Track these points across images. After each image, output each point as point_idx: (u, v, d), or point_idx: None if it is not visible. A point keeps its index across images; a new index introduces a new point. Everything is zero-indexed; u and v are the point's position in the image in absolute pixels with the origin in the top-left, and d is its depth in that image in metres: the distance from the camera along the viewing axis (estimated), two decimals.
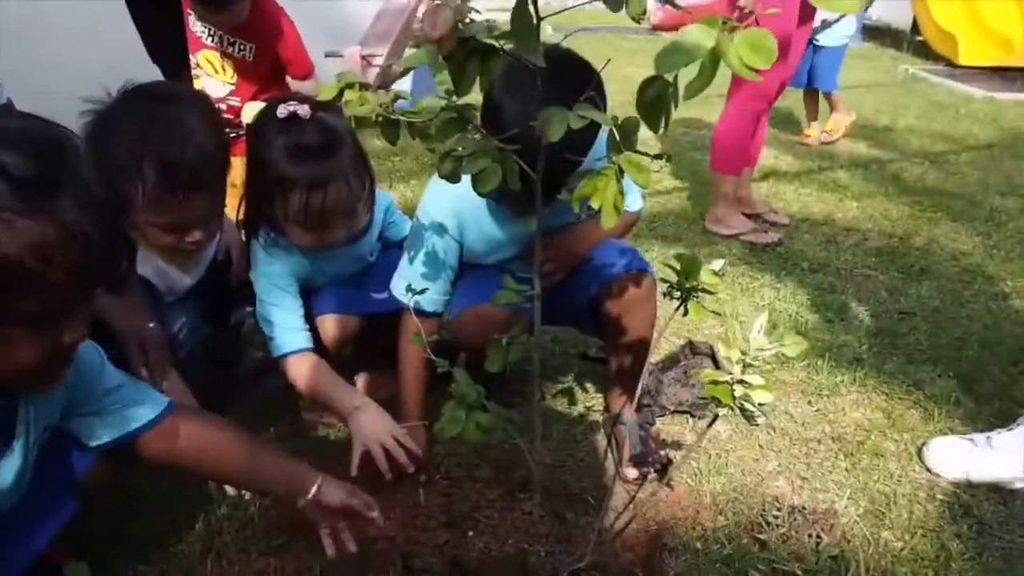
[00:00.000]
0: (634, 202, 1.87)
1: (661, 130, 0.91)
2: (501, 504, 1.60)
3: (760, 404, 1.07)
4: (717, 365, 2.09)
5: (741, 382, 1.06)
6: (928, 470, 1.82)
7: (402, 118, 1.13)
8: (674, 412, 2.01)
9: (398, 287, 1.71)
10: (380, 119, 1.14)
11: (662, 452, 1.80)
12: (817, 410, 2.06)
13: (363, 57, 3.95)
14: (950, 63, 7.71)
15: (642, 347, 1.76)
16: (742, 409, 1.06)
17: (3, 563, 1.12)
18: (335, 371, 1.92)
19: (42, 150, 0.86)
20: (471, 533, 1.54)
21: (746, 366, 1.06)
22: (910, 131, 5.21)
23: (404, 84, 4.35)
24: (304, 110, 1.58)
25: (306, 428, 1.92)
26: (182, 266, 1.75)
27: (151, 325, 1.54)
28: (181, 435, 1.29)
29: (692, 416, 2.00)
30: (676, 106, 0.86)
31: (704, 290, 1.19)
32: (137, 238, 1.54)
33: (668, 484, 1.73)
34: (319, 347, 1.81)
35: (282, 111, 1.57)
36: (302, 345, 1.76)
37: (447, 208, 1.68)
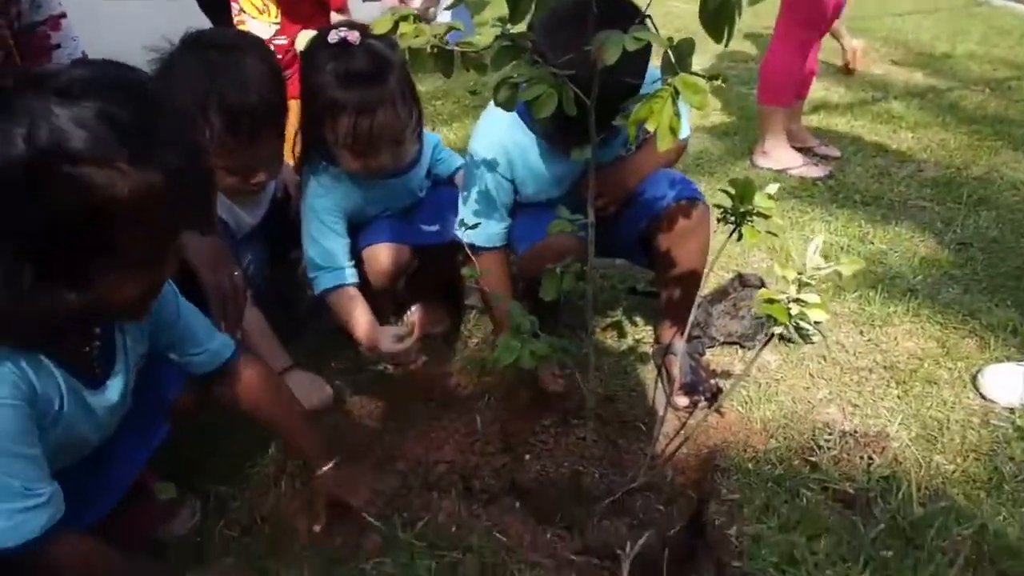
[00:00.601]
0: (683, 129, 1.89)
1: (724, 41, 0.93)
2: (556, 430, 1.66)
3: (816, 323, 1.10)
4: None
5: (797, 300, 1.09)
6: (982, 397, 1.84)
7: (456, 48, 1.16)
8: (723, 343, 2.04)
9: (456, 225, 1.76)
10: (434, 50, 1.18)
11: (712, 381, 1.84)
12: (869, 340, 2.07)
13: (401, 1, 3.96)
14: None
15: (693, 278, 1.79)
16: (797, 328, 1.09)
17: (108, 483, 1.22)
18: (389, 304, 2.00)
19: (136, 96, 0.92)
20: (527, 457, 1.60)
21: (802, 285, 1.08)
22: (970, 57, 5.06)
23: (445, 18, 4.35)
24: (354, 36, 1.64)
25: (365, 363, 1.99)
26: (245, 206, 1.82)
27: (235, 274, 1.61)
28: (242, 382, 1.39)
29: (741, 347, 2.04)
30: (739, 15, 0.88)
31: (759, 214, 1.21)
32: None
33: (718, 411, 1.78)
34: (365, 284, 1.88)
35: (333, 37, 1.62)
36: (345, 280, 1.83)
37: (496, 146, 1.71)
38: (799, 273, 1.10)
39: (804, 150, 3.35)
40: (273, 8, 2.61)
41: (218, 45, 1.63)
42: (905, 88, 4.42)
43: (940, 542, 1.33)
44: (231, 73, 1.58)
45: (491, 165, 1.72)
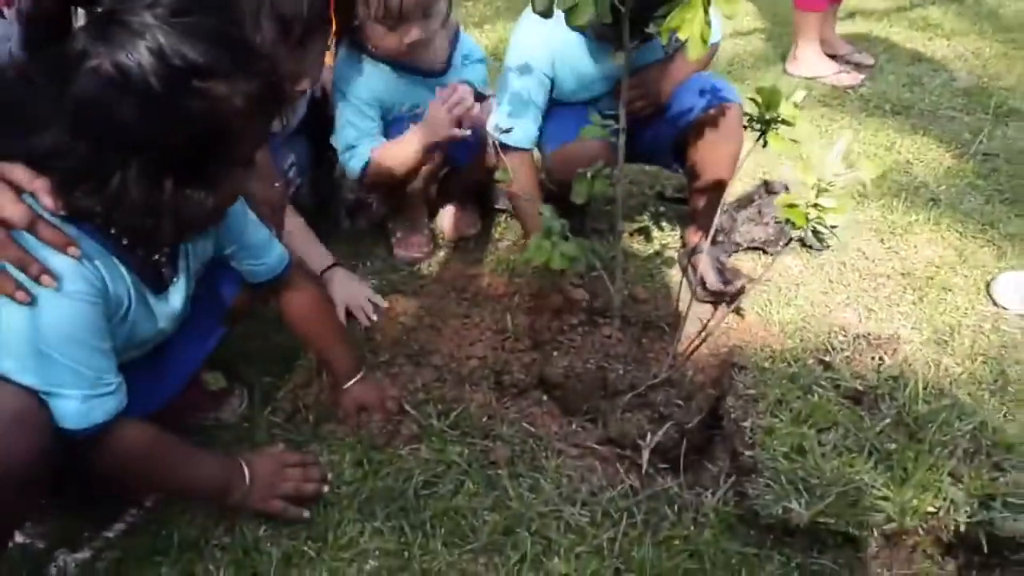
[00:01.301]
0: (714, 33, 1.90)
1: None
2: (583, 328, 1.74)
3: (832, 227, 1.16)
4: None
5: (815, 206, 1.14)
6: (995, 303, 1.90)
7: None
8: (747, 248, 2.11)
9: (490, 124, 1.81)
10: None
11: (736, 282, 1.91)
12: (889, 247, 2.13)
13: None
14: None
15: (722, 184, 1.84)
16: (815, 231, 1.15)
17: (167, 378, 1.33)
18: (422, 209, 2.08)
19: (229, 11, 1.01)
20: (555, 353, 1.69)
21: (821, 191, 1.14)
22: None
23: None
24: None
25: (396, 263, 2.08)
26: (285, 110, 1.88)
27: (276, 185, 1.68)
28: (289, 297, 1.48)
29: (764, 252, 2.10)
30: None
31: (784, 122, 1.25)
32: None
33: (738, 312, 1.86)
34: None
35: None
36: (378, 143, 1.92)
37: (541, 44, 1.75)
38: (819, 178, 1.15)
39: (837, 57, 3.33)
40: None
41: None
42: None
43: (941, 436, 1.42)
44: None
45: (534, 62, 1.75)
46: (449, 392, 1.64)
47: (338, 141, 1.93)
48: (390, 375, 1.67)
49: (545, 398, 1.68)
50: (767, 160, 2.53)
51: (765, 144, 1.29)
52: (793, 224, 1.18)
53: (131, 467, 1.17)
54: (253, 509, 1.33)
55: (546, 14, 1.13)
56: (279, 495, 1.34)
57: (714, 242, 2.03)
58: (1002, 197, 2.35)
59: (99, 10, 0.96)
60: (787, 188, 2.21)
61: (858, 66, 3.32)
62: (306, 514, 1.35)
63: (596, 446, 1.56)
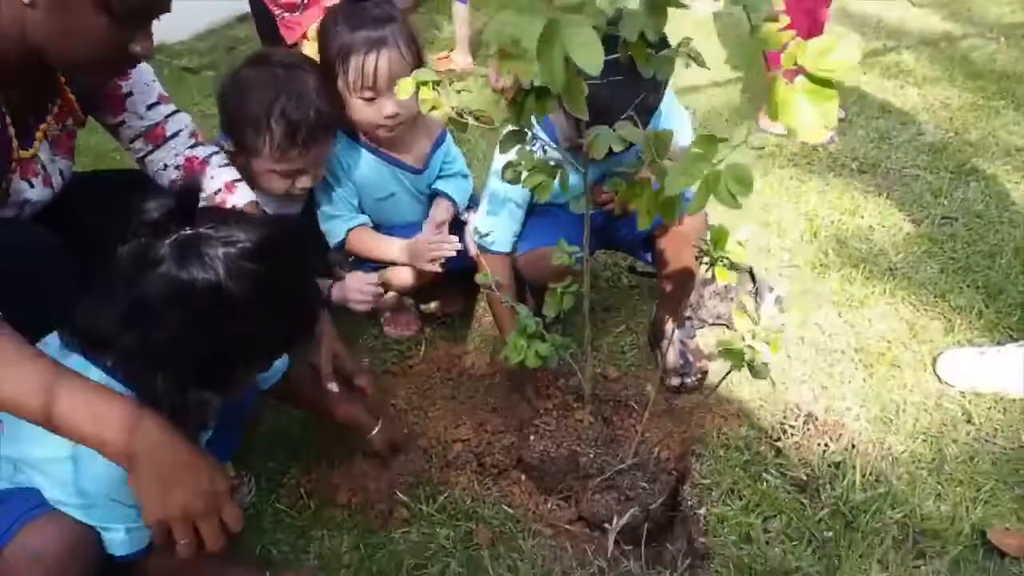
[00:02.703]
0: (685, 137, 2.08)
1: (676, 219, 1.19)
2: (557, 412, 1.92)
3: (765, 364, 1.34)
4: (754, 280, 2.35)
5: (751, 347, 1.33)
6: (940, 380, 2.09)
7: (472, 121, 1.38)
8: (712, 324, 2.30)
9: (471, 226, 2.00)
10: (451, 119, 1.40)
11: (700, 363, 2.11)
12: (845, 321, 2.32)
13: None
14: None
15: (690, 275, 2.03)
16: (750, 366, 1.33)
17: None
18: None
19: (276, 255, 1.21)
20: (532, 437, 1.87)
21: (755, 336, 1.32)
22: None
23: None
24: None
25: (387, 341, 2.27)
26: (285, 204, 2.08)
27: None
28: (294, 386, 1.70)
29: (728, 328, 2.29)
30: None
31: (730, 261, 1.43)
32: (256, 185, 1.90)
33: (701, 390, 2.05)
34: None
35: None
36: (365, 222, 2.13)
37: None
38: (754, 323, 1.33)
39: None
40: None
41: (283, 64, 1.90)
42: (920, 36, 4.51)
43: (875, 524, 1.61)
44: (293, 88, 1.85)
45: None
46: (436, 475, 1.83)
47: (318, 209, 2.13)
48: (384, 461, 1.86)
49: (523, 478, 1.87)
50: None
51: (714, 277, 1.47)
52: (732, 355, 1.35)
53: None
54: None
55: (513, 183, 1.32)
56: None
57: (681, 321, 2.22)
58: (956, 266, 2.54)
59: (188, 231, 1.14)
60: (751, 268, 2.39)
61: None
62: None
63: (568, 527, 1.75)
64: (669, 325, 2.14)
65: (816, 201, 2.92)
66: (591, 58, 0.71)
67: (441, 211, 2.17)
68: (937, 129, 3.45)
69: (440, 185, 2.19)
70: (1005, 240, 2.67)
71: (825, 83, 0.82)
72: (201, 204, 1.50)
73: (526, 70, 0.80)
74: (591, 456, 1.82)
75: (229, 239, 1.13)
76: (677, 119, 1.96)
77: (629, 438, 1.88)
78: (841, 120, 3.53)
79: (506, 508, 1.76)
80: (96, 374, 1.17)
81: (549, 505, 1.80)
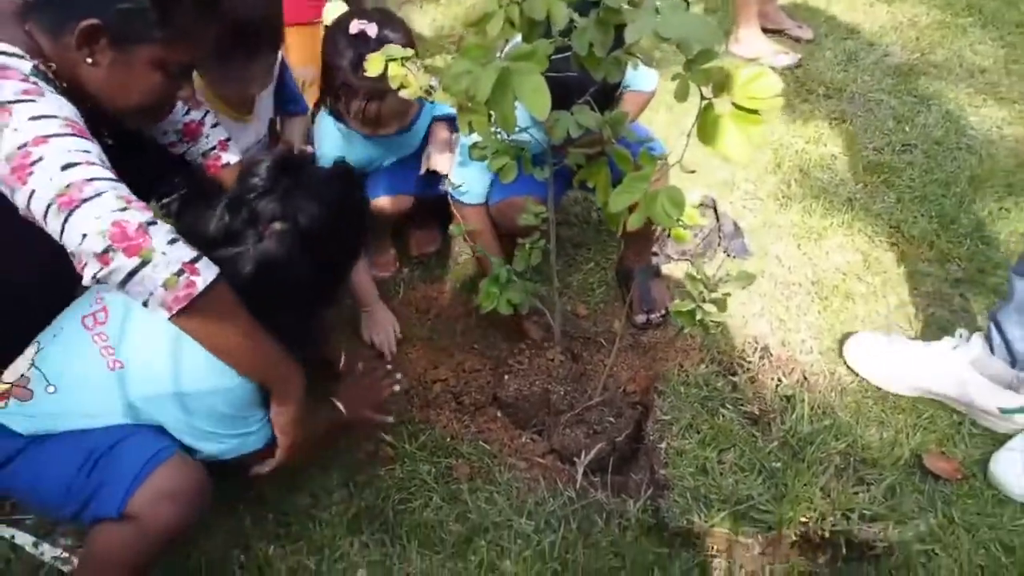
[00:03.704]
0: (649, 82, 2.13)
1: (619, 231, 1.29)
2: (530, 352, 2.05)
3: (718, 323, 1.45)
4: (718, 215, 2.45)
5: (701, 308, 1.44)
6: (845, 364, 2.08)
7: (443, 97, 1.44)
8: (678, 260, 2.41)
9: (445, 184, 2.06)
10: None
11: (665, 300, 2.22)
12: (804, 253, 2.44)
13: None
14: None
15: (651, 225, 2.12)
16: (702, 324, 1.45)
17: None
18: (389, 234, 2.35)
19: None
20: (507, 377, 2.01)
21: (705, 300, 1.43)
22: None
23: None
24: (372, 30, 1.89)
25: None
26: (235, 131, 2.06)
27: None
28: None
29: (691, 263, 2.40)
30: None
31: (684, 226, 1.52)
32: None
33: (666, 329, 2.18)
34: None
35: (354, 27, 1.89)
36: None
37: None
38: (704, 286, 1.44)
39: (778, 32, 3.54)
40: None
41: None
42: None
43: (819, 454, 1.77)
44: None
45: None
46: (418, 415, 1.96)
47: None
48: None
49: (499, 415, 2.01)
50: (700, 175, 2.79)
51: (669, 234, 1.57)
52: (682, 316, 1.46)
53: None
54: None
55: (480, 161, 1.40)
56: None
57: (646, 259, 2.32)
58: (913, 195, 2.65)
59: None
60: (714, 201, 2.49)
61: (798, 40, 3.54)
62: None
63: (541, 459, 1.90)
64: (635, 262, 2.24)
65: (782, 130, 3.00)
66: (539, 103, 0.78)
67: (442, 132, 2.20)
68: (903, 50, 3.50)
69: (435, 110, 2.23)
70: (961, 168, 2.77)
71: (751, 111, 0.90)
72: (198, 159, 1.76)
73: (480, 123, 0.87)
74: (562, 393, 1.97)
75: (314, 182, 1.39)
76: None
77: (597, 374, 2.02)
78: (808, 41, 3.56)
79: (483, 444, 1.90)
80: None
81: (523, 440, 1.95)
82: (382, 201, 2.18)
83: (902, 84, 3.26)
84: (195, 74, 1.87)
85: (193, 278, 1.18)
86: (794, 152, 2.87)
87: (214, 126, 1.79)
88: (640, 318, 2.20)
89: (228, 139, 1.81)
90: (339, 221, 1.41)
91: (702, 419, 1.87)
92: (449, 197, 2.01)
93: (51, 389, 1.36)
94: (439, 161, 2.12)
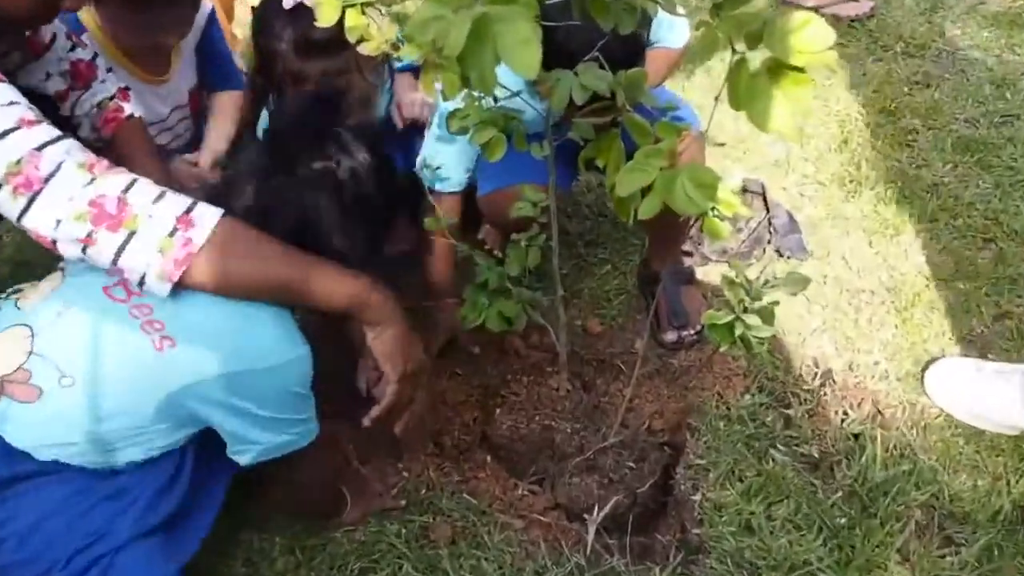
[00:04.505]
0: (679, 37, 2.15)
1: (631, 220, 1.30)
2: (528, 379, 2.07)
3: (761, 339, 1.46)
4: (767, 206, 2.47)
5: (742, 320, 1.45)
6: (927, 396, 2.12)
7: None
8: (717, 261, 2.43)
9: (418, 164, 2.08)
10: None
11: (701, 313, 2.24)
12: (877, 253, 2.46)
13: None
14: None
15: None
16: (743, 339, 1.46)
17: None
18: None
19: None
20: (498, 411, 2.03)
21: (746, 309, 1.44)
22: None
23: None
24: None
25: None
26: (155, 92, 2.15)
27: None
28: None
29: (731, 265, 2.41)
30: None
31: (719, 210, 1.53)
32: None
33: (703, 349, 2.20)
34: None
35: (287, 2, 1.89)
36: None
37: None
38: (746, 292, 1.45)
39: None
40: None
41: None
42: None
43: (895, 507, 1.79)
44: None
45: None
46: (385, 460, 1.98)
47: None
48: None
49: (488, 460, 2.02)
50: (745, 153, 2.82)
51: (702, 229, 1.59)
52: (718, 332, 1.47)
53: None
54: None
55: (462, 134, 1.42)
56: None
57: (679, 258, 2.34)
58: (1014, 178, 2.67)
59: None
60: (763, 186, 2.51)
61: None
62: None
63: (541, 517, 1.91)
64: (663, 265, 2.26)
65: (848, 98, 3.03)
66: (526, 58, 0.79)
67: (407, 79, 2.21)
68: None
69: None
70: None
71: (795, 69, 0.92)
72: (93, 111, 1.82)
73: (452, 83, 0.88)
74: (568, 432, 1.99)
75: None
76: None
77: (614, 407, 2.03)
78: None
79: (468, 497, 1.92)
80: None
81: (519, 492, 1.96)
82: None
83: (1002, 38, 3.29)
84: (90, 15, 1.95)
85: (189, 234, 1.23)
86: (864, 125, 2.91)
87: (109, 70, 1.83)
88: (669, 336, 2.22)
89: (128, 88, 1.85)
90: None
91: (747, 464, 1.88)
92: (422, 180, 2.02)
93: (67, 381, 1.34)
94: (412, 102, 2.13)
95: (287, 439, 1.47)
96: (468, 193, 2.13)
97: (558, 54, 1.23)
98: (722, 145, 1.82)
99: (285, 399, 1.43)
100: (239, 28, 2.72)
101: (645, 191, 1.19)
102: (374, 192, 1.50)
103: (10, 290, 1.49)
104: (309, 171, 1.43)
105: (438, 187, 2.04)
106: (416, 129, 2.20)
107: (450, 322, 2.12)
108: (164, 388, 1.35)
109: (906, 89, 3.06)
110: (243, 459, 1.46)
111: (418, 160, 2.07)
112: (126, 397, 1.35)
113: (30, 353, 1.35)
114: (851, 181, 2.69)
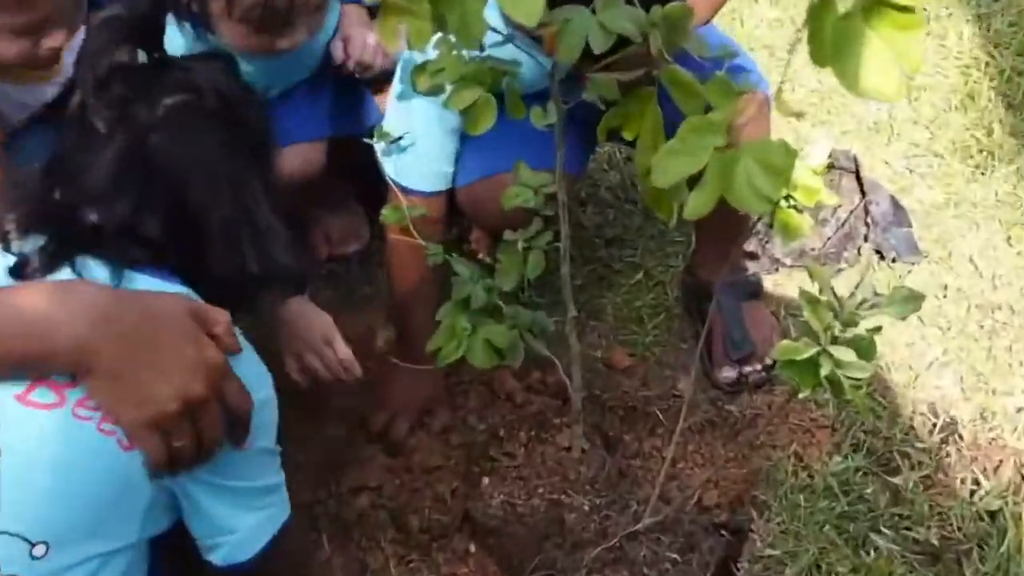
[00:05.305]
0: None
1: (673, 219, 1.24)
2: (528, 435, 1.95)
3: (856, 382, 1.34)
4: (862, 189, 2.34)
5: (828, 354, 1.32)
6: None
7: None
8: (793, 267, 2.30)
9: (375, 136, 1.96)
10: None
11: (771, 341, 2.11)
12: (1019, 253, 2.34)
13: None
14: None
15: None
16: (831, 383, 1.33)
17: None
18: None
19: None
20: (486, 479, 1.91)
21: (835, 339, 1.32)
22: None
23: None
24: None
25: None
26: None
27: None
28: None
29: (813, 272, 2.29)
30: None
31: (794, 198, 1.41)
32: None
33: (770, 388, 2.07)
34: None
35: None
36: None
37: None
38: (835, 316, 1.32)
39: None
40: None
41: None
42: None
43: None
44: None
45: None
46: (329, 547, 1.87)
47: None
48: None
49: (473, 548, 1.92)
50: (832, 116, 2.70)
51: (771, 226, 1.46)
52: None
53: None
54: None
55: (432, 94, 1.31)
56: None
57: (741, 263, 2.21)
58: None
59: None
60: (856, 160, 2.39)
61: None
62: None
63: None
64: (717, 273, 2.13)
65: (974, 35, 2.92)
66: (526, 5, 0.71)
67: (355, 10, 2.15)
68: None
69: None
70: None
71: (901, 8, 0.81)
72: None
73: (420, 30, 0.78)
74: (585, 509, 1.87)
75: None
76: None
77: (649, 475, 1.93)
78: None
79: None
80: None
81: None
82: (287, 153, 2.08)
83: None
84: None
85: None
86: (997, 72, 2.80)
87: None
88: (726, 373, 2.11)
89: None
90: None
91: (839, 555, 1.76)
92: (379, 164, 1.90)
93: (40, 550, 1.26)
94: (358, 41, 2.07)
95: (269, 512, 1.42)
96: None
97: None
98: (800, 116, 1.69)
99: (265, 461, 1.41)
100: None
101: (693, 180, 1.09)
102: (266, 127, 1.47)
103: None
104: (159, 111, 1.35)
105: (405, 183, 1.93)
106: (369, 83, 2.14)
107: (423, 390, 2.07)
108: (149, 490, 1.33)
109: None
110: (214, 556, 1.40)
111: (375, 133, 1.95)
112: (110, 522, 1.32)
113: None
114: (979, 151, 2.58)
